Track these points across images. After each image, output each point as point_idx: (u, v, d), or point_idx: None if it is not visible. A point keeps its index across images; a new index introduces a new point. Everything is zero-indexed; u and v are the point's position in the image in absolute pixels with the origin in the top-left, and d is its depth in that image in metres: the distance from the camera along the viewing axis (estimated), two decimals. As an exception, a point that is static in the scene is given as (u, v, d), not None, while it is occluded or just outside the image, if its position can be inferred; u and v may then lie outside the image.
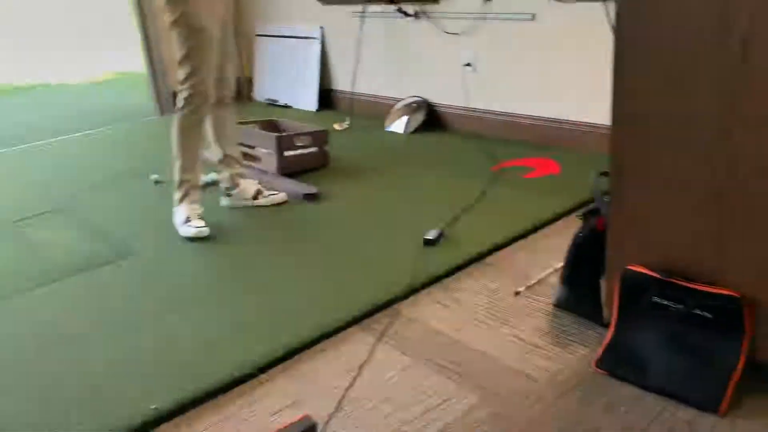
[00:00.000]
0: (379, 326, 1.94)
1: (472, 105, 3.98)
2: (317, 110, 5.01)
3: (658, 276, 1.57)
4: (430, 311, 2.00)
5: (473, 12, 3.77)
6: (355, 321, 1.97)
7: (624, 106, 1.55)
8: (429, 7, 4.03)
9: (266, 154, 3.37)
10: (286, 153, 3.35)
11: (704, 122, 1.42)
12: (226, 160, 2.93)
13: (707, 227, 1.48)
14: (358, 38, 4.42)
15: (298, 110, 5.10)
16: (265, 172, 3.36)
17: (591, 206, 1.85)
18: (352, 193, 3.08)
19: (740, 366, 1.46)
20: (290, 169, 3.35)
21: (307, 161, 3.42)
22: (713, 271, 1.50)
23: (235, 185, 2.97)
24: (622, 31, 1.51)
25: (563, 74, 3.45)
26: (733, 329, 1.47)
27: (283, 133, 3.42)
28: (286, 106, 5.26)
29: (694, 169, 1.47)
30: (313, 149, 3.44)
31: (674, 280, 1.55)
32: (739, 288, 1.46)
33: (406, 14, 4.14)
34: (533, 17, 3.49)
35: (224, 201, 3.02)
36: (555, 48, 3.45)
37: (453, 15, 3.90)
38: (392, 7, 4.20)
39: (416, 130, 4.16)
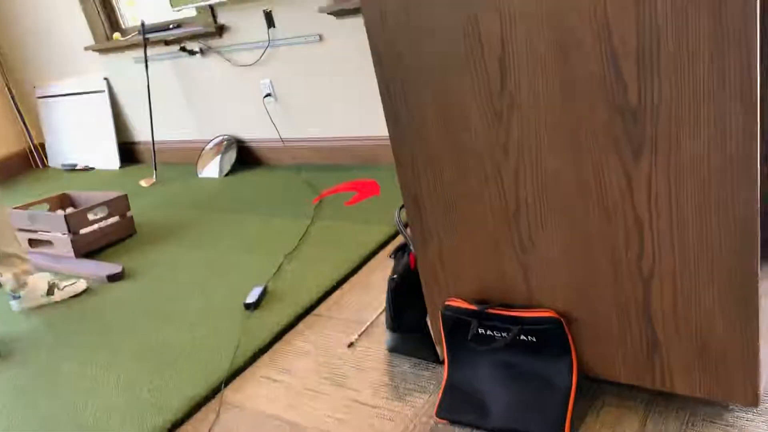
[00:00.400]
0: (204, 426, 1.70)
1: (282, 135, 3.80)
2: (121, 167, 4.58)
3: (476, 308, 1.48)
4: (260, 391, 1.79)
5: (260, 41, 3.59)
6: (176, 425, 1.71)
7: (401, 135, 1.44)
8: (214, 42, 3.79)
9: (59, 237, 2.96)
10: (82, 231, 2.97)
11: (481, 144, 1.33)
12: (3, 260, 2.51)
13: (510, 251, 1.41)
14: (146, 84, 4.07)
15: (100, 171, 4.64)
16: (62, 257, 2.96)
17: (400, 243, 1.74)
18: (164, 263, 2.78)
19: (574, 386, 1.40)
20: (90, 248, 2.97)
21: (109, 234, 3.06)
22: (527, 294, 1.43)
23: (23, 285, 2.56)
24: (377, 55, 1.39)
25: (361, 90, 3.37)
26: (559, 350, 1.41)
27: (74, 210, 3.03)
28: (87, 169, 4.77)
29: (485, 192, 1.38)
30: (113, 219, 3.08)
31: (494, 310, 1.46)
32: (554, 307, 1.40)
33: (191, 52, 3.86)
34: (320, 38, 3.38)
35: (14, 305, 2.60)
36: (348, 65, 3.36)
37: (241, 46, 3.69)
38: (175, 47, 3.91)
39: (231, 171, 3.91)
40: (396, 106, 1.41)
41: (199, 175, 4.00)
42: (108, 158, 4.64)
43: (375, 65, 1.40)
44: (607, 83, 1.15)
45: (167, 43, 3.77)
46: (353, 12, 3.17)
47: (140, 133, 4.54)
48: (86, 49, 4.35)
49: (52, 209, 3.27)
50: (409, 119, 1.41)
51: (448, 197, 1.44)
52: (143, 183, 4.04)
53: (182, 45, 3.83)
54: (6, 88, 5.00)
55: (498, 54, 1.23)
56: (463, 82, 1.30)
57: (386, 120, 1.44)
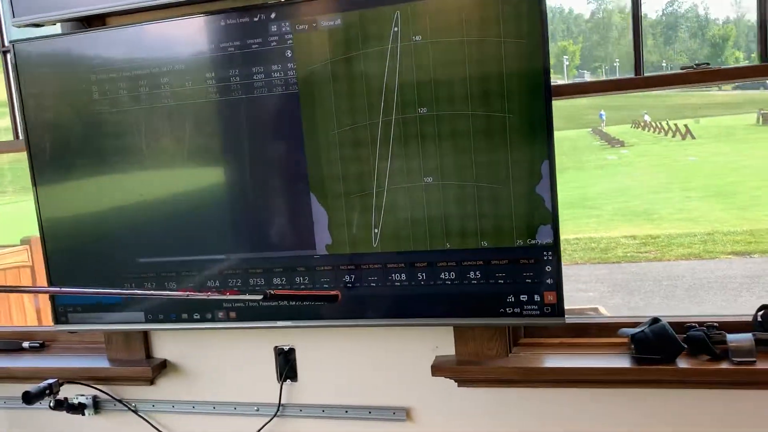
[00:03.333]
0: None
1: None
2: None
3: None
4: None
5: (256, 403, 1.74)
6: None
7: None
8: (135, 391, 1.83)
9: None
10: None
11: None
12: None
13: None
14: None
15: None
16: None
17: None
18: None
19: None
20: None
21: None
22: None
23: None
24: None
25: None
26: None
27: None
28: None
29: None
30: None
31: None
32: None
33: (73, 407, 1.83)
34: (407, 414, 1.66)
35: None
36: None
37: (201, 407, 1.79)
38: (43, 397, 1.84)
39: None
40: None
41: None
42: None
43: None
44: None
45: (27, 400, 1.69)
46: (496, 382, 1.55)
47: None
48: None
49: None
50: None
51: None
52: None
53: (55, 395, 1.79)
54: None
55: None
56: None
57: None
